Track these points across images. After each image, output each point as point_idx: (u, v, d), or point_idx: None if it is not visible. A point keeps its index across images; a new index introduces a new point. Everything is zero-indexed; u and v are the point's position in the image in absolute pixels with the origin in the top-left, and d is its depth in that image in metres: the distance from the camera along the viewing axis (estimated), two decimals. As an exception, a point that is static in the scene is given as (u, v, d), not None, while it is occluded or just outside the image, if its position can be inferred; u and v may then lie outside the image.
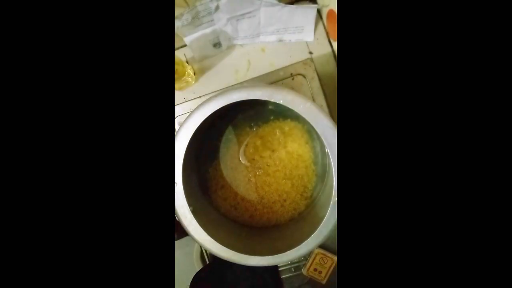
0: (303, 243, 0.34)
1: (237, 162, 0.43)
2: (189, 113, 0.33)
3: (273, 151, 0.42)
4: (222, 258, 0.35)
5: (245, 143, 0.42)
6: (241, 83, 0.46)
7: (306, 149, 0.41)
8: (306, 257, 0.46)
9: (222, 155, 0.43)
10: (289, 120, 0.42)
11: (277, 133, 0.42)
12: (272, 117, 0.42)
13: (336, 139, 0.31)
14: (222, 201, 0.43)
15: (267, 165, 0.42)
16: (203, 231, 0.35)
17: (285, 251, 0.34)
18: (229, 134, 0.43)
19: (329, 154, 0.32)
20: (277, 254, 0.34)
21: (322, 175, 0.42)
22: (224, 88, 0.38)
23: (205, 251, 0.50)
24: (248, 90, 0.31)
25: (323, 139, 0.32)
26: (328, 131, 0.32)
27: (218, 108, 0.32)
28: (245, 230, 0.42)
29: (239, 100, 0.31)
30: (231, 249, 0.35)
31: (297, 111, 0.31)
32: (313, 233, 0.33)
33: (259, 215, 0.43)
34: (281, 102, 0.31)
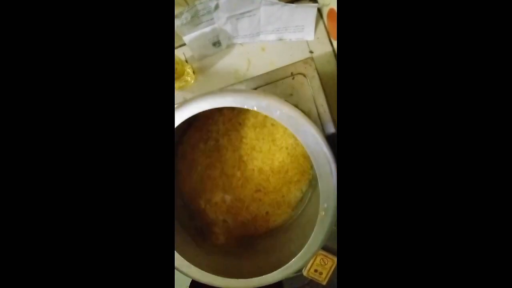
0: (289, 263, 0.31)
1: (217, 169, 0.41)
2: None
3: (258, 154, 0.40)
4: (202, 282, 0.32)
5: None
6: (240, 82, 0.46)
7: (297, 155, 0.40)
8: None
9: (200, 162, 0.41)
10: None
11: (263, 134, 0.41)
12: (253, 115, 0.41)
13: (320, 146, 0.28)
14: (200, 211, 0.41)
15: (249, 171, 0.40)
16: (180, 257, 0.32)
17: (271, 271, 0.32)
18: (208, 139, 0.41)
19: (313, 163, 0.28)
20: (262, 275, 0.32)
21: (310, 184, 0.41)
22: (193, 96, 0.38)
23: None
24: (217, 97, 0.28)
25: (304, 146, 0.28)
26: (310, 138, 0.28)
27: (185, 119, 0.29)
28: (229, 250, 0.39)
29: (208, 108, 0.29)
30: (211, 272, 0.32)
31: (274, 118, 0.28)
32: (300, 250, 0.31)
33: (245, 221, 0.41)
34: (255, 108, 0.28)
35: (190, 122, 0.40)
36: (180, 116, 0.29)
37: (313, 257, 0.45)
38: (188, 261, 0.32)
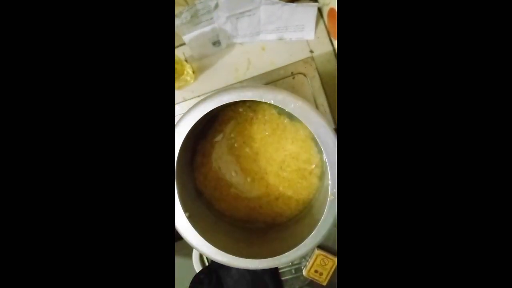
0: (301, 244, 0.33)
1: (232, 162, 0.42)
2: (180, 117, 0.33)
3: (270, 148, 0.41)
4: (221, 262, 0.35)
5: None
6: (241, 82, 0.46)
7: (307, 146, 0.41)
8: (306, 258, 0.46)
9: (217, 156, 0.42)
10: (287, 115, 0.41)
11: (273, 129, 0.41)
12: (268, 111, 0.41)
13: (330, 137, 0.31)
14: (218, 202, 0.43)
15: (264, 163, 0.41)
16: (201, 238, 0.34)
17: (284, 252, 0.34)
18: (223, 134, 0.42)
19: (324, 152, 0.31)
20: (275, 256, 0.34)
21: (321, 175, 0.41)
22: (215, 90, 0.38)
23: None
24: (238, 92, 0.31)
25: (316, 137, 0.31)
26: (321, 129, 0.31)
27: (209, 110, 0.31)
28: (243, 233, 0.42)
29: (230, 101, 0.31)
30: (229, 253, 0.34)
31: (288, 110, 0.31)
32: (311, 233, 0.33)
33: (256, 215, 0.42)
34: (272, 102, 0.31)
35: (209, 119, 0.42)
36: (203, 110, 0.32)
37: (314, 257, 0.45)
38: (209, 243, 0.34)
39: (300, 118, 0.31)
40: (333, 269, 0.45)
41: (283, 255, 0.34)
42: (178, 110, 0.46)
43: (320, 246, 0.45)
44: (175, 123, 0.32)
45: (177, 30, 0.45)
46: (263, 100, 0.31)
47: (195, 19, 0.45)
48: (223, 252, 0.34)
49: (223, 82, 0.50)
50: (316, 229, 0.33)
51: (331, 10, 0.44)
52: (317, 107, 0.45)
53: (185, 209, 0.34)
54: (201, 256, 0.54)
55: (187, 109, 0.42)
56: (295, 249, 0.33)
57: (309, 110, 0.31)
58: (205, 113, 0.32)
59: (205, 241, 0.34)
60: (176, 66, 0.45)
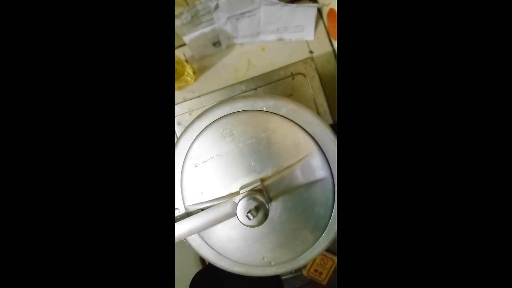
0: (306, 252, 0.33)
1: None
2: (176, 141, 0.33)
3: None
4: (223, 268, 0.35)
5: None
6: (240, 82, 0.46)
7: None
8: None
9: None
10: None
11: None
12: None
13: (327, 134, 0.31)
14: None
15: None
16: (210, 248, 0.35)
17: (288, 261, 0.34)
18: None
19: (323, 150, 0.31)
20: (280, 264, 0.34)
21: None
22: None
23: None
24: (230, 104, 0.32)
25: (313, 136, 0.31)
26: (317, 128, 0.31)
27: (203, 127, 0.32)
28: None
29: (223, 115, 0.32)
30: (233, 259, 0.34)
31: (282, 115, 0.31)
32: (316, 241, 0.33)
33: None
34: (264, 109, 0.31)
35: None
36: (199, 127, 0.32)
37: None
38: (209, 245, 0.35)
39: (295, 120, 0.31)
40: (332, 269, 0.45)
41: (301, 256, 0.34)
42: (179, 110, 0.47)
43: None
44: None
45: (177, 30, 0.46)
46: (255, 109, 0.31)
47: (195, 20, 0.45)
48: (225, 258, 0.34)
49: (223, 83, 0.50)
50: (329, 224, 0.33)
51: (331, 10, 0.45)
52: (316, 107, 0.45)
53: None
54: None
55: (188, 108, 0.43)
56: (313, 247, 0.33)
57: (302, 111, 0.31)
58: (200, 130, 0.32)
59: (214, 251, 0.35)
60: (176, 66, 0.45)
